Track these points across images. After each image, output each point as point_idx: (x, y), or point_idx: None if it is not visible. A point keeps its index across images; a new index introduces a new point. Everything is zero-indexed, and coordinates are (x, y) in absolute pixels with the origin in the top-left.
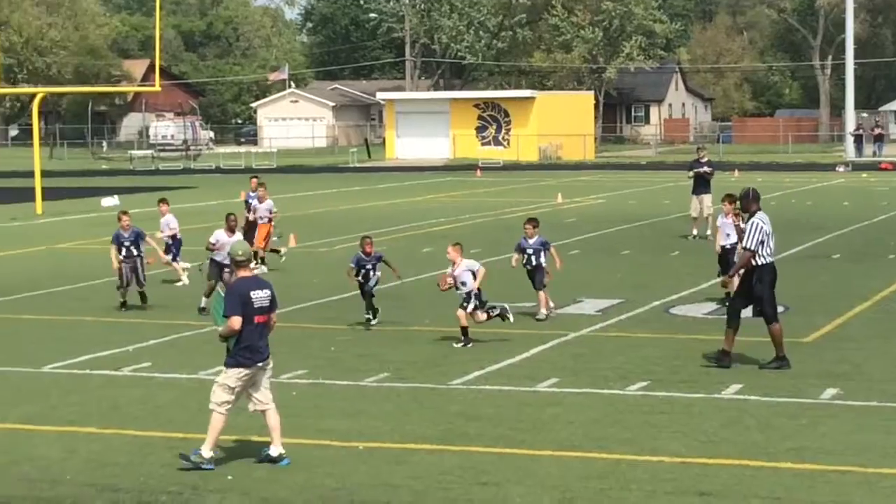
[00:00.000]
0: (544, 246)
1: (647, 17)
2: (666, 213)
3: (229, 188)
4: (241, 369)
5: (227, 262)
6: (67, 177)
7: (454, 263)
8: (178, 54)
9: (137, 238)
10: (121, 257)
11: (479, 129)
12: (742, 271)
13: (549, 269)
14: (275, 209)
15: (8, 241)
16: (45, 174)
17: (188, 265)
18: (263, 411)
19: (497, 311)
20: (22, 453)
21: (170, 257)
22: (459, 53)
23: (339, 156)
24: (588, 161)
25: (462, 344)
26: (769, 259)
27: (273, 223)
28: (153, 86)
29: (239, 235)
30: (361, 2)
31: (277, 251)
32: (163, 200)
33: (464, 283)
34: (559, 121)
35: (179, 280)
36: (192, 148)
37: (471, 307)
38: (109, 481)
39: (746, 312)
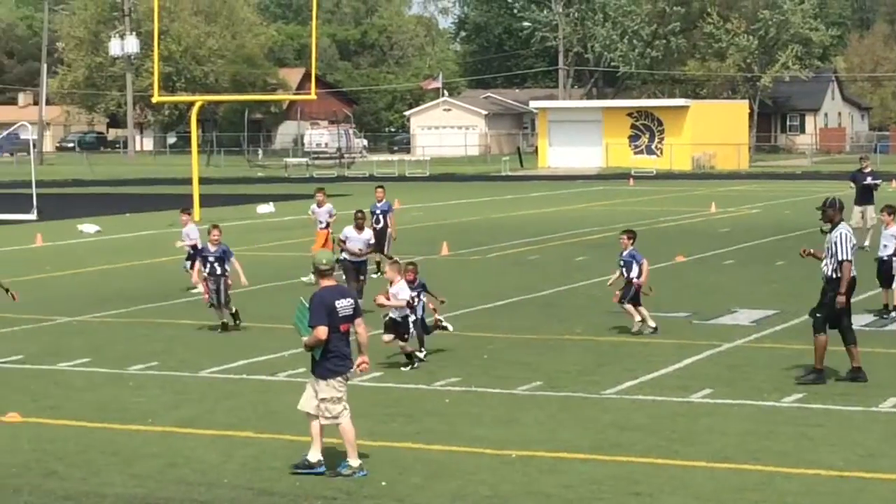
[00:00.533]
0: (634, 259)
1: (803, 25)
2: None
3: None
4: (337, 377)
5: (355, 259)
6: (224, 184)
7: (391, 283)
8: (332, 63)
9: (224, 255)
10: (205, 274)
11: (632, 138)
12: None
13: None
14: (334, 213)
15: (166, 246)
16: (202, 181)
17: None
18: (314, 417)
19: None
20: (180, 456)
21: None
22: (613, 62)
23: (491, 164)
24: (742, 171)
25: (409, 367)
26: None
27: (331, 229)
28: (309, 94)
29: (369, 233)
30: (515, 11)
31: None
32: (184, 210)
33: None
34: (713, 130)
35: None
36: (345, 156)
37: (417, 331)
38: (265, 485)
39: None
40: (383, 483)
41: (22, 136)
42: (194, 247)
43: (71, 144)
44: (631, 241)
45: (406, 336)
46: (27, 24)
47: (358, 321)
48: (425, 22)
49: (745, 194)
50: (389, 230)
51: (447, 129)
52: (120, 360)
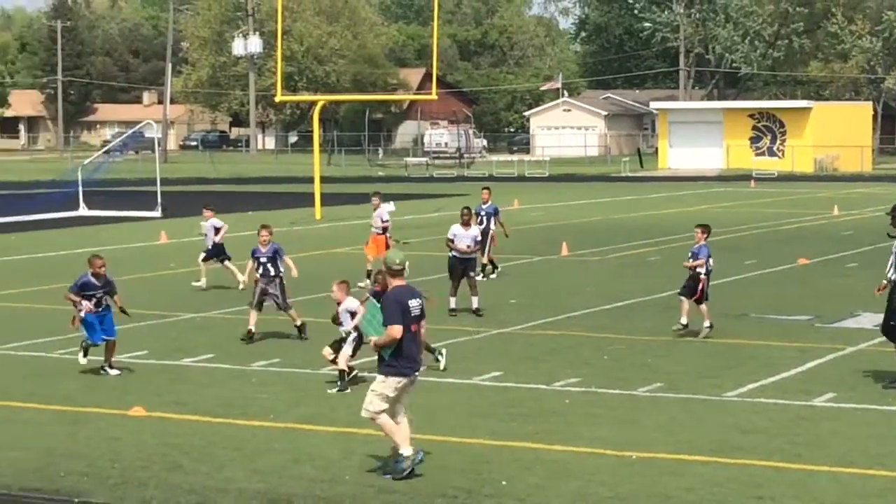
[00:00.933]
0: (699, 252)
1: None
2: None
3: (502, 196)
4: (401, 378)
5: (462, 257)
6: (344, 183)
7: (338, 303)
8: (453, 63)
9: (276, 255)
10: (257, 275)
11: (754, 140)
12: None
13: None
14: (386, 217)
15: (288, 244)
16: (323, 180)
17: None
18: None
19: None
20: (302, 452)
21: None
22: (734, 63)
23: (611, 165)
24: (865, 173)
25: (338, 389)
26: None
27: (388, 233)
28: (430, 94)
29: (476, 230)
30: (636, 11)
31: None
32: (206, 206)
33: (341, 324)
34: (835, 132)
35: (199, 282)
36: (465, 156)
37: (349, 350)
38: (386, 483)
39: None
40: (503, 482)
41: (147, 135)
42: (216, 245)
43: (194, 143)
44: (705, 235)
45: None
46: (152, 25)
47: (422, 322)
48: (545, 22)
49: (869, 197)
50: (492, 232)
51: (567, 130)
52: (243, 356)
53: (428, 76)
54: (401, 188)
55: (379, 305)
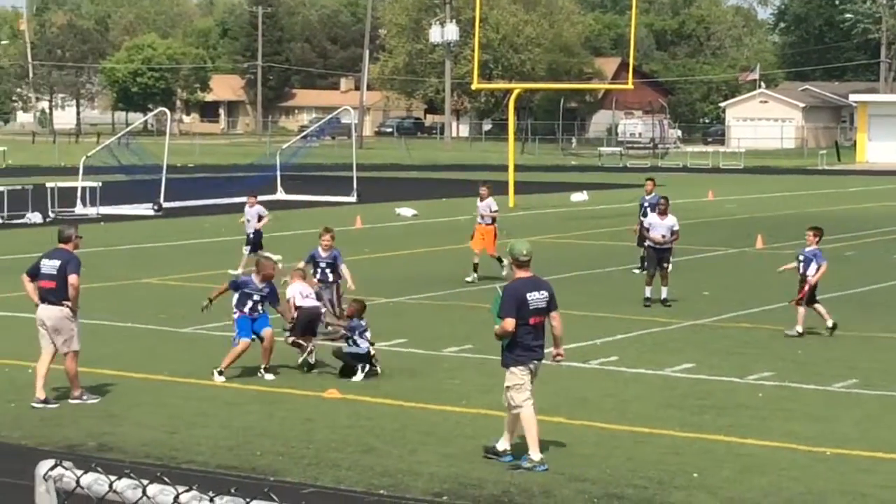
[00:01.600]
0: (815, 257)
1: None
2: None
3: (696, 187)
4: (520, 366)
5: (657, 247)
6: (537, 171)
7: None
8: (649, 53)
9: (335, 261)
10: (316, 279)
11: None
12: None
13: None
14: (495, 208)
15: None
16: (517, 168)
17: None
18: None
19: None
20: (492, 439)
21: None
22: None
23: (807, 158)
24: None
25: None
26: None
27: (496, 224)
28: (625, 83)
29: (672, 220)
30: (837, 2)
31: (501, 259)
32: (250, 193)
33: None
34: None
35: (236, 270)
36: (659, 146)
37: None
38: (576, 471)
39: None
40: (695, 475)
41: (343, 121)
42: (257, 232)
43: (389, 129)
44: (817, 239)
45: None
46: (351, 12)
47: (554, 314)
48: (744, 12)
49: None
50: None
51: (763, 122)
52: (435, 341)
53: (624, 66)
54: (594, 177)
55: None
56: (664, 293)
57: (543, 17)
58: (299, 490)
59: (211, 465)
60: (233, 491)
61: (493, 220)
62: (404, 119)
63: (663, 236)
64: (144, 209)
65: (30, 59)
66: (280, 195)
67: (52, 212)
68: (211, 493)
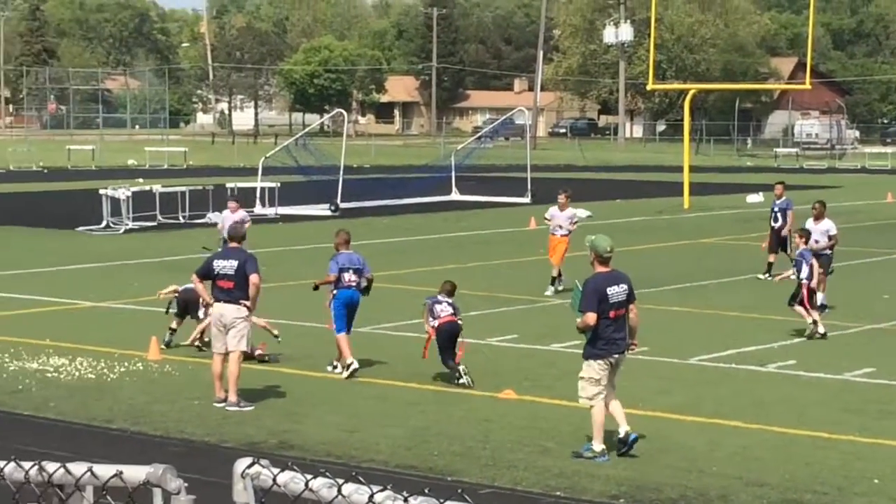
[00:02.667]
0: (804, 259)
1: None
2: None
3: (874, 189)
4: (600, 360)
5: (816, 252)
6: (712, 172)
7: None
8: (825, 52)
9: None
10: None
11: None
12: None
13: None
14: (576, 219)
15: (655, 233)
16: (691, 169)
17: None
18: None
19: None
20: (669, 441)
21: None
22: None
23: None
24: None
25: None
26: None
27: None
28: (803, 83)
29: (827, 224)
30: None
31: (560, 276)
32: (234, 198)
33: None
34: None
35: None
36: (836, 147)
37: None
38: (754, 476)
39: None
40: (876, 481)
41: (517, 122)
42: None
43: (562, 130)
44: (803, 241)
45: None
46: (525, 13)
47: (631, 306)
48: None
49: None
50: (787, 229)
51: None
52: None
53: (800, 66)
54: (770, 178)
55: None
56: (820, 298)
57: (719, 16)
58: (477, 491)
59: (390, 465)
60: (426, 491)
61: (569, 231)
62: (578, 120)
63: (817, 241)
64: (321, 209)
65: (210, 61)
66: (455, 196)
67: None
68: (405, 493)
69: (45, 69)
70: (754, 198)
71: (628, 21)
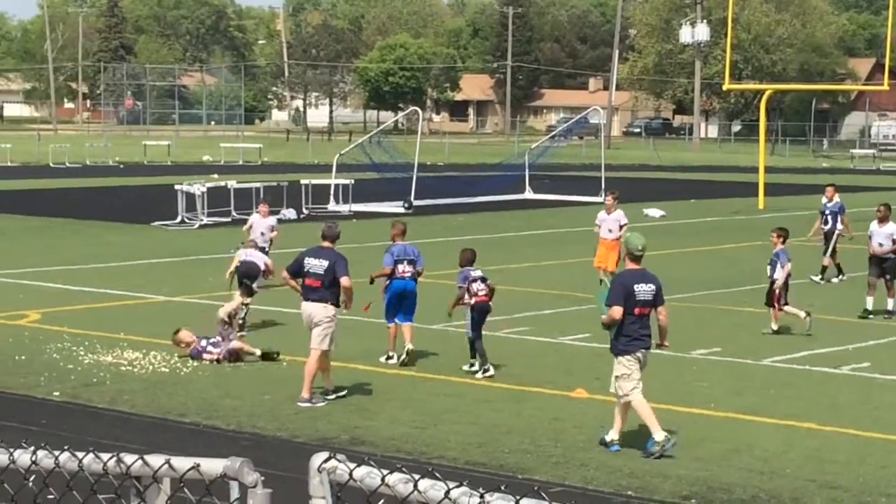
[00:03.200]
0: (778, 259)
1: None
2: None
3: None
4: (627, 356)
5: (877, 255)
6: (787, 173)
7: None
8: None
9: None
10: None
11: None
12: None
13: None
14: (624, 221)
15: (730, 234)
16: (766, 170)
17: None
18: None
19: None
20: (742, 442)
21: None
22: None
23: None
24: None
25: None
26: None
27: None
28: (880, 84)
29: (892, 227)
30: None
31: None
32: (265, 202)
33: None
34: None
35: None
36: None
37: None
38: (828, 478)
39: None
40: None
41: (592, 121)
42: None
43: (637, 130)
44: (781, 240)
45: None
46: (601, 12)
47: (660, 309)
48: None
49: None
50: (839, 231)
51: None
52: (683, 344)
53: (879, 66)
54: (846, 180)
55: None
56: (890, 304)
57: (796, 16)
58: (547, 489)
59: (460, 462)
60: (503, 488)
61: (619, 236)
62: (653, 119)
63: (881, 244)
64: (395, 206)
65: (286, 58)
66: (528, 195)
67: (306, 208)
68: (481, 489)
69: (123, 65)
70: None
71: (704, 21)
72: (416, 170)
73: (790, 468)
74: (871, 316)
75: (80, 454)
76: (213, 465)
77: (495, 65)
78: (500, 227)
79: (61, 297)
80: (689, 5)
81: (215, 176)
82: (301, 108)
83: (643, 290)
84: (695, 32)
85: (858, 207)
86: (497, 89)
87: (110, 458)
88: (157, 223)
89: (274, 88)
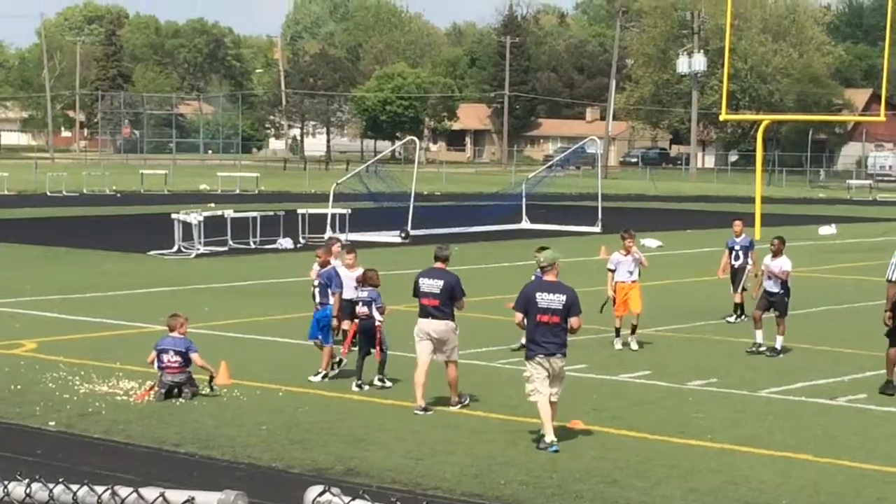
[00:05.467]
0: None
1: None
2: None
3: None
4: (529, 360)
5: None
6: (784, 204)
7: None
8: None
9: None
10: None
11: None
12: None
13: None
14: (639, 256)
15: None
16: (763, 200)
17: None
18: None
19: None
20: (738, 474)
21: None
22: None
23: None
24: None
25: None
26: None
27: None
28: (877, 115)
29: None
30: None
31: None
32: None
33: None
34: None
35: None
36: None
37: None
38: None
39: None
40: None
41: (588, 151)
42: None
43: (634, 159)
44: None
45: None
46: (598, 42)
47: (571, 319)
48: None
49: None
50: (750, 267)
51: None
52: (680, 374)
53: (875, 97)
54: (842, 210)
55: None
56: (778, 342)
57: (793, 46)
58: None
59: (456, 493)
60: None
61: (638, 276)
62: (649, 149)
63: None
64: (392, 236)
65: (283, 87)
66: (525, 224)
67: (303, 237)
68: None
69: (120, 94)
70: (827, 230)
71: (701, 51)
72: (412, 199)
73: (786, 500)
74: (762, 349)
75: (74, 487)
76: (207, 499)
77: (492, 94)
78: (497, 256)
79: (58, 327)
80: (686, 35)
81: (212, 205)
82: (298, 137)
83: (546, 298)
84: (692, 62)
85: (854, 238)
86: (494, 119)
87: (105, 490)
88: (153, 252)
89: (271, 117)
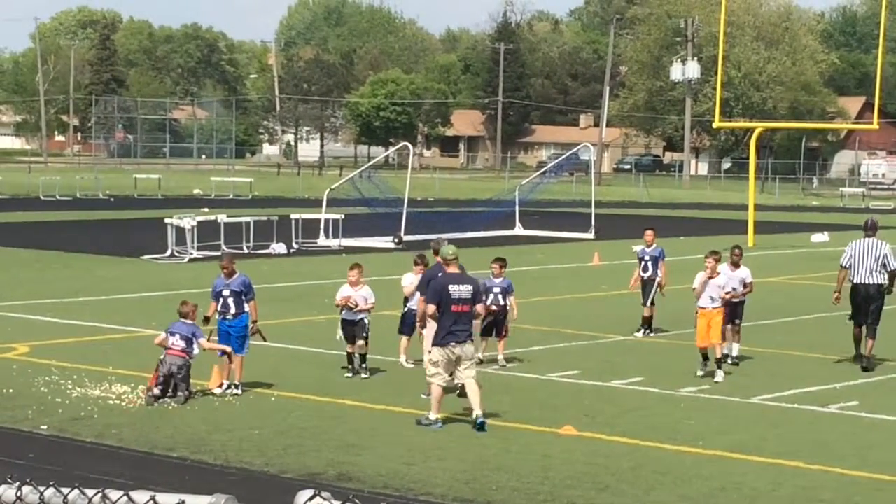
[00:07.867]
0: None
1: None
2: None
3: None
4: (439, 347)
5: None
6: (777, 211)
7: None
8: (893, 92)
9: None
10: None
11: None
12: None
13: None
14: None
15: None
16: (756, 208)
17: None
18: (464, 384)
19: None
20: (730, 481)
21: None
22: None
23: None
24: None
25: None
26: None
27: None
28: (870, 123)
29: (746, 270)
30: None
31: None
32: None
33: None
34: None
35: None
36: None
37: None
38: None
39: None
40: None
41: (582, 157)
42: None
43: (627, 166)
44: (502, 269)
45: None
46: (592, 49)
47: (478, 305)
48: None
49: None
50: (659, 279)
51: None
52: (672, 381)
53: (868, 105)
54: (835, 218)
55: None
56: (734, 350)
57: (786, 54)
58: None
59: (448, 498)
60: None
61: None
62: (643, 156)
63: (734, 289)
64: (385, 242)
65: (277, 92)
66: (518, 230)
67: (296, 243)
68: None
69: (114, 98)
70: (819, 237)
71: (695, 58)
72: (406, 205)
73: None
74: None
75: (65, 490)
76: (198, 502)
77: (486, 100)
78: (490, 262)
79: (50, 330)
80: (679, 43)
81: (205, 210)
82: (292, 143)
83: (458, 289)
84: (685, 70)
85: (847, 246)
86: (488, 125)
87: (95, 493)
88: (146, 257)
89: (265, 122)
